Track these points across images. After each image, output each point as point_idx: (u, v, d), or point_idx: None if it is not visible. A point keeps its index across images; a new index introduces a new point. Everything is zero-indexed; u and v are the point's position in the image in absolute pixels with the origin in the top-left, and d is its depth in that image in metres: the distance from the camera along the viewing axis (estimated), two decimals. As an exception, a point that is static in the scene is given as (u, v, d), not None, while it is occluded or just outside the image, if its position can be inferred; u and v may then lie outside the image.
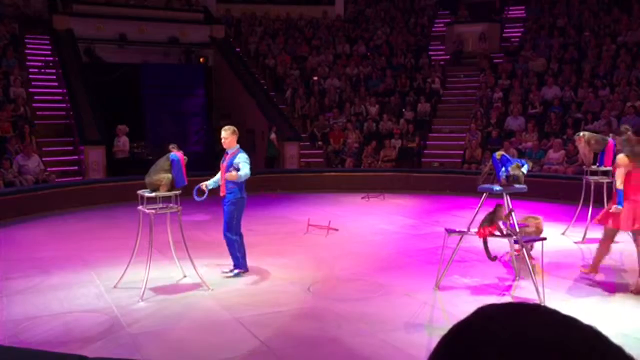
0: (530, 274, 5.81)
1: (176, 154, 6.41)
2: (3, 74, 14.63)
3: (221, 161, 6.79)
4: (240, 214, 6.67)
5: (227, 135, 6.66)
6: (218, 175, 6.72)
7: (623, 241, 8.37)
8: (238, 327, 5.19)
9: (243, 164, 6.50)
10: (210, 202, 7.10)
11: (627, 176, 6.05)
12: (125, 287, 6.22)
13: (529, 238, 6.48)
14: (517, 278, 6.47)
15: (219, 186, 6.69)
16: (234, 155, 6.60)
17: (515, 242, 6.08)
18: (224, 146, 6.76)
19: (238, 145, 6.72)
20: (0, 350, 3.86)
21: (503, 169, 5.98)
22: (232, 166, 6.53)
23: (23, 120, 13.39)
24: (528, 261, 5.99)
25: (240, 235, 6.73)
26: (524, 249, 6.41)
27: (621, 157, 6.14)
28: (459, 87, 18.42)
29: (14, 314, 5.55)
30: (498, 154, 6.19)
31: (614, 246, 8.31)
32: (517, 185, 6.05)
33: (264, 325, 5.22)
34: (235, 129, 6.81)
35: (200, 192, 6.57)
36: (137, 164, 13.80)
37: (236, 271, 6.73)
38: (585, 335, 0.65)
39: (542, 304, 0.98)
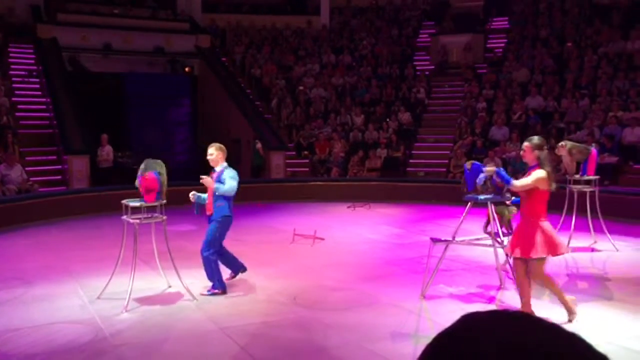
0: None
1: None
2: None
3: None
4: (224, 233, 6.38)
5: (213, 151, 6.34)
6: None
7: (605, 249, 8.45)
8: (223, 338, 5.15)
9: (229, 179, 6.24)
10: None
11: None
12: (109, 297, 6.15)
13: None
14: (502, 287, 6.50)
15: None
16: (221, 173, 6.29)
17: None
18: (211, 164, 6.41)
19: (226, 164, 6.37)
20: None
21: (481, 175, 6.00)
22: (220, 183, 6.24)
23: (6, 130, 13.26)
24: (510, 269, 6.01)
25: (218, 255, 6.39)
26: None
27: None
28: (443, 97, 18.55)
29: (-5, 325, 5.47)
30: (468, 164, 6.23)
31: (597, 255, 8.37)
32: (498, 195, 6.07)
33: (250, 336, 5.19)
34: (222, 146, 6.47)
35: (200, 207, 6.33)
36: (121, 173, 13.72)
37: (214, 291, 6.38)
38: (570, 342, 0.65)
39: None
